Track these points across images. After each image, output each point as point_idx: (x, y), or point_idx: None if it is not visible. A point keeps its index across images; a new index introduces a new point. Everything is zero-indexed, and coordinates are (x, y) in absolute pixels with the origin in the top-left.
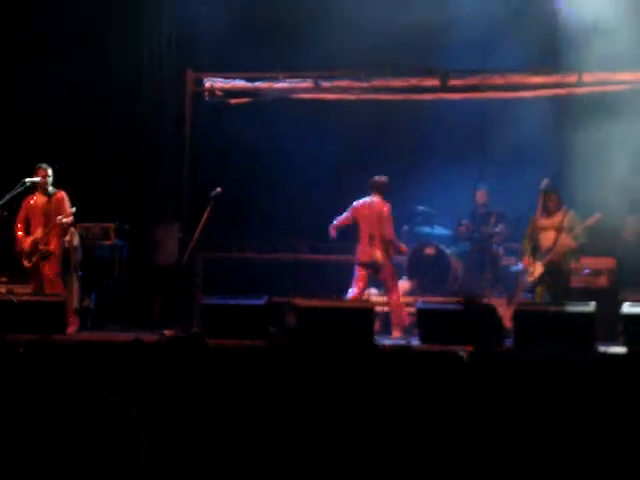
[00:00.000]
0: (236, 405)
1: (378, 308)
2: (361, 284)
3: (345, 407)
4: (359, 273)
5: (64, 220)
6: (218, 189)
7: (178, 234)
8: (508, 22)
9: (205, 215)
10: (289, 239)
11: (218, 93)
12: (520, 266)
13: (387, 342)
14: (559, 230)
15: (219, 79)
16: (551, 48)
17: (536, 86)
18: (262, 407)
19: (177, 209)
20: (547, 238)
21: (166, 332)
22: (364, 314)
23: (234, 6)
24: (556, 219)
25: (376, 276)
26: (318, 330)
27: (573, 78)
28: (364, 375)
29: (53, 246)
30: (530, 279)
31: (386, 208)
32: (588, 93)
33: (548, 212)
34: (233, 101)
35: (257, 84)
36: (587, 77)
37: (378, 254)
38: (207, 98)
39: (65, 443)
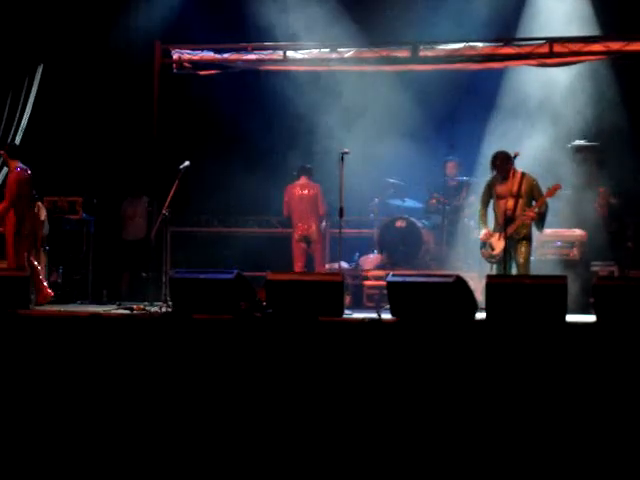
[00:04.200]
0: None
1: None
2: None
3: (302, 374)
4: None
5: None
6: (187, 162)
7: (146, 208)
8: None
9: (173, 189)
10: (259, 213)
11: (186, 65)
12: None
13: (358, 315)
14: (517, 197)
15: (187, 51)
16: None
17: (506, 57)
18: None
19: (145, 183)
20: (505, 207)
21: (135, 307)
22: (334, 287)
23: None
24: (513, 185)
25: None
26: (289, 304)
27: (544, 49)
28: (333, 347)
29: None
30: (493, 253)
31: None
32: (559, 64)
33: (502, 176)
34: (201, 73)
35: (225, 55)
36: (558, 48)
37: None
38: (175, 70)
39: None
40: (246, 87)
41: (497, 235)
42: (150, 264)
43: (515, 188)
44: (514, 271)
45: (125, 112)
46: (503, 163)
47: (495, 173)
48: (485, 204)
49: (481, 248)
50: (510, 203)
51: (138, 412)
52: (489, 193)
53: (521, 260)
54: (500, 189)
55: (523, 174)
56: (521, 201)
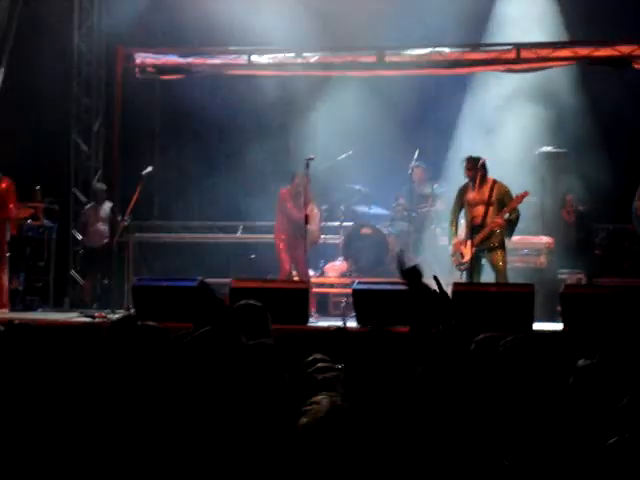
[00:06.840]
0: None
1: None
2: None
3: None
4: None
5: None
6: (149, 168)
7: (108, 214)
8: None
9: (136, 195)
10: (224, 220)
11: (150, 69)
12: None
13: (323, 324)
14: (488, 205)
15: (150, 55)
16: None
17: (473, 62)
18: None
19: (108, 189)
20: (476, 214)
21: (97, 315)
22: (299, 295)
23: None
24: (484, 193)
25: None
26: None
27: (512, 54)
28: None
29: None
30: (462, 261)
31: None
32: (526, 69)
33: (473, 183)
34: (165, 77)
35: (189, 60)
36: (525, 53)
37: None
38: (138, 74)
39: None
40: (211, 91)
41: (467, 243)
42: (112, 271)
43: (486, 195)
44: (485, 279)
45: (88, 116)
46: (471, 167)
47: (467, 180)
48: (456, 211)
49: (452, 255)
50: (480, 210)
51: (97, 423)
52: (461, 200)
53: (500, 267)
54: (471, 196)
55: (495, 182)
56: (492, 209)
